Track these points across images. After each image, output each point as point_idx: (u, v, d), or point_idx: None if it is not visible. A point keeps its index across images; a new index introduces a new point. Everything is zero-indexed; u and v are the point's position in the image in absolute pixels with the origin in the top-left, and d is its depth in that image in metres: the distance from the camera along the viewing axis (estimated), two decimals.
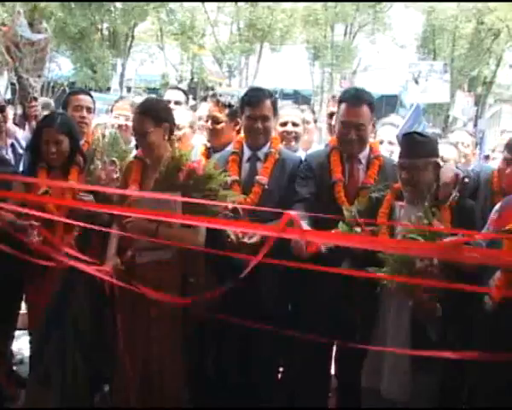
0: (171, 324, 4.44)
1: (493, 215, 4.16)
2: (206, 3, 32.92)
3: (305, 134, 6.09)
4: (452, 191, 4.15)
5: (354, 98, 4.69)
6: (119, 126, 5.80)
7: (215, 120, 5.33)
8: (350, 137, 4.65)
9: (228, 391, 4.78)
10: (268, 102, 4.79)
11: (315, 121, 6.75)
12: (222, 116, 5.32)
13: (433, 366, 4.10)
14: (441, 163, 4.39)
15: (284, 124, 5.72)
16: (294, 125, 5.69)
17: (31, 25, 5.25)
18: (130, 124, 5.63)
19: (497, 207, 4.17)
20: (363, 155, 4.76)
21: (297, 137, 5.69)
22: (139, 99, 6.03)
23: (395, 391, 4.13)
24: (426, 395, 4.16)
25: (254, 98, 4.80)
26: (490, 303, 3.87)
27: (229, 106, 5.34)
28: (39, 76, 5.40)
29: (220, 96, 5.43)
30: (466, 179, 4.24)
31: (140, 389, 4.46)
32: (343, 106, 4.70)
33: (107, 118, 6.03)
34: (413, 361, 4.08)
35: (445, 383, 4.21)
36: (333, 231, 4.29)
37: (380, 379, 4.19)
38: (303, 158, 5.02)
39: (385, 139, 6.03)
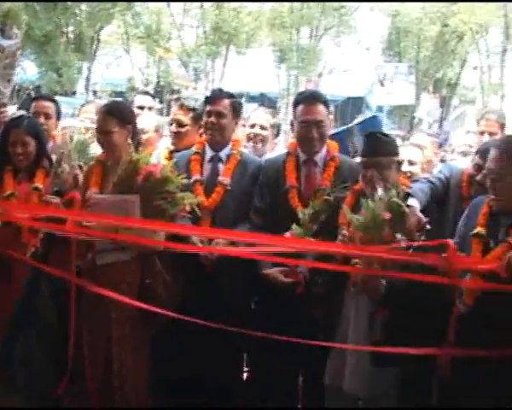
0: (132, 325, 4.47)
1: (462, 221, 4.25)
2: (171, 6, 32.83)
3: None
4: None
5: (310, 98, 4.83)
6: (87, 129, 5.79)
7: (179, 124, 5.39)
8: (311, 135, 4.72)
9: (193, 393, 4.80)
10: (225, 101, 4.90)
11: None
12: (186, 120, 5.38)
13: (394, 360, 4.19)
14: (407, 166, 4.48)
15: (252, 126, 5.86)
16: (262, 128, 5.79)
17: (2, 31, 5.21)
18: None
19: (465, 212, 4.26)
20: (320, 157, 4.85)
21: (264, 140, 5.78)
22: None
23: (357, 387, 4.19)
24: (387, 389, 4.22)
25: (212, 96, 4.97)
26: (463, 306, 3.98)
27: (194, 109, 5.38)
28: (9, 81, 5.37)
29: (184, 99, 5.47)
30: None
31: (102, 390, 4.49)
32: (300, 107, 4.80)
33: (74, 121, 6.02)
34: (373, 356, 4.14)
35: (406, 376, 4.29)
36: (287, 234, 4.37)
37: (343, 376, 4.25)
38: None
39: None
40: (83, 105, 6.51)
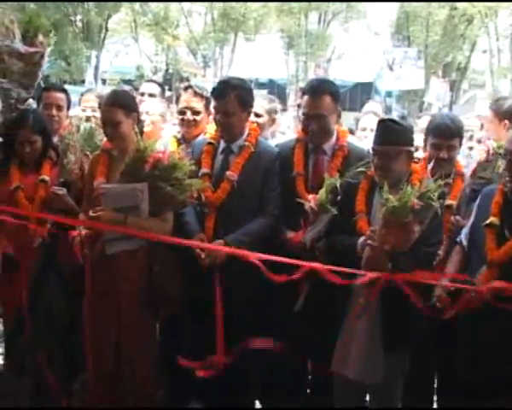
0: (141, 313, 4.49)
1: (474, 212, 4.15)
2: None
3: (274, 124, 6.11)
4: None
5: (314, 89, 4.67)
6: (88, 118, 5.77)
7: (194, 112, 5.31)
8: (311, 128, 4.65)
9: (203, 386, 4.83)
10: (232, 96, 4.67)
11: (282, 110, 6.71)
12: (200, 107, 5.31)
13: (402, 347, 4.20)
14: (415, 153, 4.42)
15: None
16: (257, 115, 5.63)
17: (24, 37, 5.14)
18: (97, 115, 5.60)
19: (476, 202, 4.16)
20: (329, 146, 4.74)
21: (259, 127, 5.58)
22: (106, 91, 6.00)
23: (364, 374, 4.19)
24: (394, 376, 4.23)
25: (217, 92, 4.74)
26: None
27: (206, 97, 5.33)
28: (27, 88, 5.29)
29: (197, 87, 5.41)
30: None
31: (112, 379, 4.51)
32: (305, 98, 4.71)
33: (76, 111, 5.99)
34: (383, 339, 4.14)
35: (413, 363, 4.29)
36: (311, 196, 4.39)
37: (348, 363, 4.25)
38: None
39: (368, 127, 6.05)
40: (82, 94, 6.45)
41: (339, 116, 4.82)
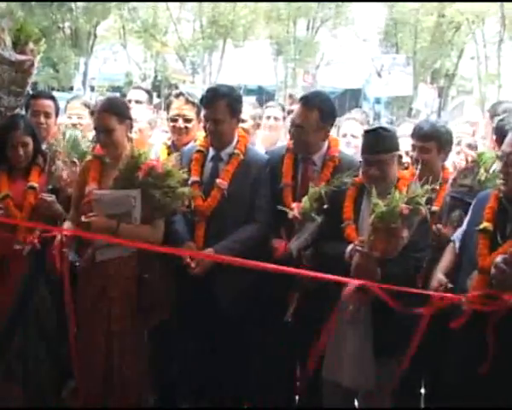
0: (131, 319, 4.49)
1: (468, 216, 4.13)
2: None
3: (260, 129, 6.10)
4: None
5: (305, 100, 4.69)
6: (74, 126, 5.75)
7: (186, 119, 5.30)
8: (292, 136, 4.69)
9: (193, 392, 4.83)
10: (222, 104, 4.67)
11: (283, 118, 6.69)
12: (192, 115, 5.30)
13: (392, 354, 4.20)
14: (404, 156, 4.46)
15: None
16: (241, 121, 5.59)
17: (15, 44, 5.13)
18: (83, 123, 5.77)
19: (471, 206, 4.13)
20: (319, 156, 4.73)
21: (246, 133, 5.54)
22: (92, 98, 6.00)
23: (355, 381, 4.19)
24: (384, 383, 4.23)
25: (207, 99, 4.74)
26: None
27: (196, 104, 5.31)
28: (17, 96, 5.26)
29: (188, 94, 5.38)
30: None
31: (102, 386, 4.51)
32: (297, 107, 4.76)
33: (62, 118, 5.95)
34: (375, 345, 4.15)
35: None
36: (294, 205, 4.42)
37: (340, 370, 4.25)
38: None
39: (348, 133, 6.06)
40: (68, 101, 6.42)
41: (326, 134, 4.75)
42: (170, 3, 33.08)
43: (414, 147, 4.75)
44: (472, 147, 5.80)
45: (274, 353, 4.69)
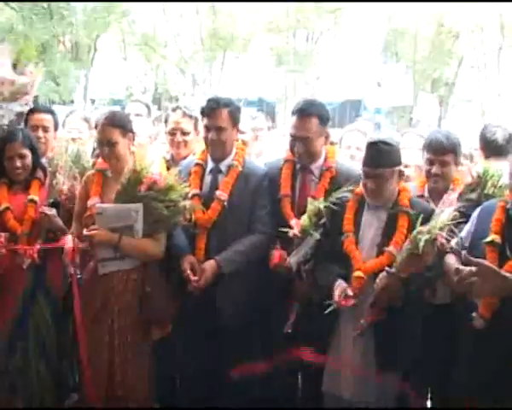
0: (134, 333, 4.49)
1: (470, 226, 4.05)
2: (167, 13, 32.83)
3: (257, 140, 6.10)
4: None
5: (301, 111, 4.67)
6: (74, 140, 5.75)
7: (184, 132, 5.29)
8: (297, 150, 4.66)
9: (195, 401, 4.82)
10: (224, 112, 4.68)
11: (268, 128, 6.68)
12: (190, 128, 5.29)
13: (395, 368, 4.19)
14: (404, 170, 4.44)
15: None
16: (240, 132, 5.56)
17: (14, 66, 5.17)
18: (83, 137, 5.85)
19: (474, 215, 4.06)
20: (317, 166, 4.75)
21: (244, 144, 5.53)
22: (92, 113, 6.02)
23: (356, 393, 4.18)
24: (387, 396, 4.21)
25: (210, 108, 4.71)
26: (479, 320, 3.70)
27: (194, 117, 5.31)
28: (16, 115, 5.29)
29: (185, 108, 5.38)
30: None
31: (105, 399, 4.51)
32: (293, 119, 4.72)
33: (61, 132, 5.95)
34: (376, 358, 4.15)
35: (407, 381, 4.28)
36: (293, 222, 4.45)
37: (341, 383, 4.24)
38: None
39: (352, 145, 5.94)
40: (67, 115, 6.43)
41: (327, 138, 4.79)
42: (169, 16, 33.12)
43: (430, 161, 4.63)
44: (466, 157, 5.76)
45: (274, 364, 4.72)
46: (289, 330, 4.54)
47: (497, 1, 27.45)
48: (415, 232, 3.99)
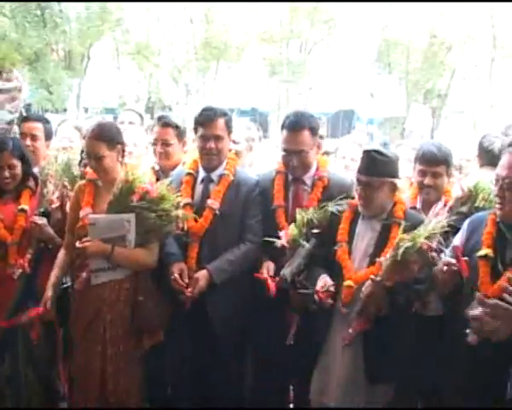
0: (126, 342, 4.48)
1: (461, 235, 4.05)
2: (161, 22, 32.86)
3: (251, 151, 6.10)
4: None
5: (293, 125, 4.67)
6: (65, 149, 5.73)
7: (165, 143, 5.28)
8: (292, 163, 4.66)
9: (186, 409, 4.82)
10: (221, 122, 4.70)
11: (259, 138, 6.69)
12: (172, 138, 5.27)
13: (386, 380, 4.18)
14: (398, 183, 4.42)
15: None
16: (234, 142, 5.57)
17: (0, 73, 5.18)
18: (74, 146, 5.76)
19: (464, 226, 4.07)
20: (309, 176, 4.76)
21: (237, 155, 5.52)
22: (84, 122, 6.00)
23: (344, 402, 4.17)
24: (378, 403, 4.20)
25: (207, 118, 4.71)
26: (473, 336, 3.59)
27: (177, 127, 5.29)
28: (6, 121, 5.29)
29: (166, 117, 5.37)
30: None
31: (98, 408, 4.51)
32: (284, 133, 4.72)
33: (53, 142, 5.95)
34: (366, 372, 4.13)
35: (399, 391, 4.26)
36: (282, 233, 4.45)
37: (329, 392, 4.24)
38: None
39: (347, 156, 5.95)
40: (59, 124, 6.42)
41: (318, 147, 4.82)
42: (163, 25, 33.14)
43: (423, 172, 4.64)
44: (456, 167, 5.76)
45: (268, 372, 4.72)
46: (292, 343, 4.53)
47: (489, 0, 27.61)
48: (397, 239, 3.99)
